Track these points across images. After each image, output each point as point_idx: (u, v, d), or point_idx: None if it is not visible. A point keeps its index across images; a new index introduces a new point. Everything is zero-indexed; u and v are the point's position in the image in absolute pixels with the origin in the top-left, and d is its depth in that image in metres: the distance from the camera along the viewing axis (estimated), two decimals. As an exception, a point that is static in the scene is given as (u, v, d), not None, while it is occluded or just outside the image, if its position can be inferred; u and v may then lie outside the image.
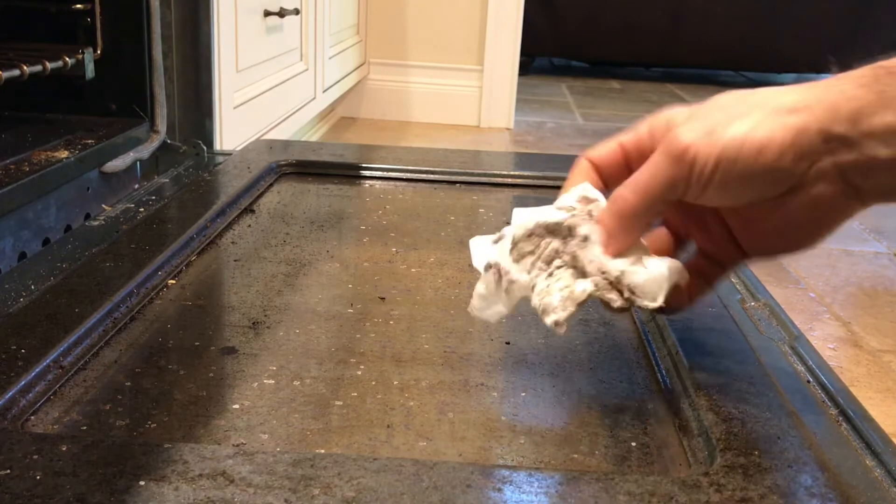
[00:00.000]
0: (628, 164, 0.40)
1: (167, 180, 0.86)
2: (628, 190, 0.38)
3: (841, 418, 0.44)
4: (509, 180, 0.82)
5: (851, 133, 0.35)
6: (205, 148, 0.96)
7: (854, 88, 0.36)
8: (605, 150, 0.41)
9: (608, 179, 0.41)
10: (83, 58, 0.83)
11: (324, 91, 1.65)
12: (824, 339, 1.08)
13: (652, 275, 0.38)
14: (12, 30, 0.86)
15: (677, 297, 0.40)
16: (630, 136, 0.40)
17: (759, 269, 1.30)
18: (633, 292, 0.39)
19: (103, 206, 0.77)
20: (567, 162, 0.86)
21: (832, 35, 3.03)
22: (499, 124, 2.20)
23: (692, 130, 0.37)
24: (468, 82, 2.18)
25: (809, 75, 3.45)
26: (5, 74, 0.71)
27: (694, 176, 0.36)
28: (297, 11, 1.37)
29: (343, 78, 1.86)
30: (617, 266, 0.39)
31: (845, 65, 0.38)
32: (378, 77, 2.19)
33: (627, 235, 0.39)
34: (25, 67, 0.74)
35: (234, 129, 1.08)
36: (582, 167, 0.42)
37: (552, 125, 2.31)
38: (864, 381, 0.97)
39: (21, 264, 0.63)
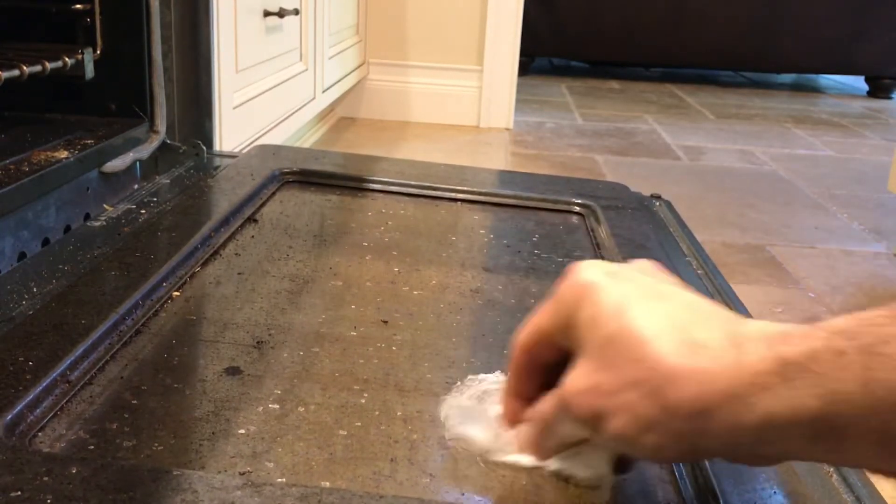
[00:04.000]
0: (552, 342, 0.38)
1: (167, 181, 0.86)
2: (533, 422, 0.39)
3: (832, 469, 0.45)
4: (511, 201, 0.83)
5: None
6: (204, 148, 0.96)
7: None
8: (530, 338, 0.39)
9: (538, 361, 0.39)
10: (83, 58, 0.83)
11: (323, 91, 1.65)
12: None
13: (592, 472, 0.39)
14: (12, 30, 0.86)
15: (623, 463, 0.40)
16: (551, 315, 0.38)
17: (759, 270, 1.32)
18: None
19: (104, 206, 0.77)
20: (567, 186, 0.87)
21: (832, 35, 3.06)
22: (498, 124, 2.21)
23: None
24: (468, 82, 2.18)
25: (809, 75, 3.49)
26: (5, 74, 0.71)
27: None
28: (296, 12, 1.37)
29: (343, 78, 1.86)
30: (554, 465, 0.40)
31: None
32: (378, 77, 2.19)
33: (547, 449, 0.39)
34: (25, 67, 0.74)
35: (233, 130, 1.08)
36: (519, 362, 0.40)
37: (552, 125, 2.32)
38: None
39: (21, 264, 0.63)
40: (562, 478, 0.40)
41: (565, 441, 0.38)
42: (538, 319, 0.38)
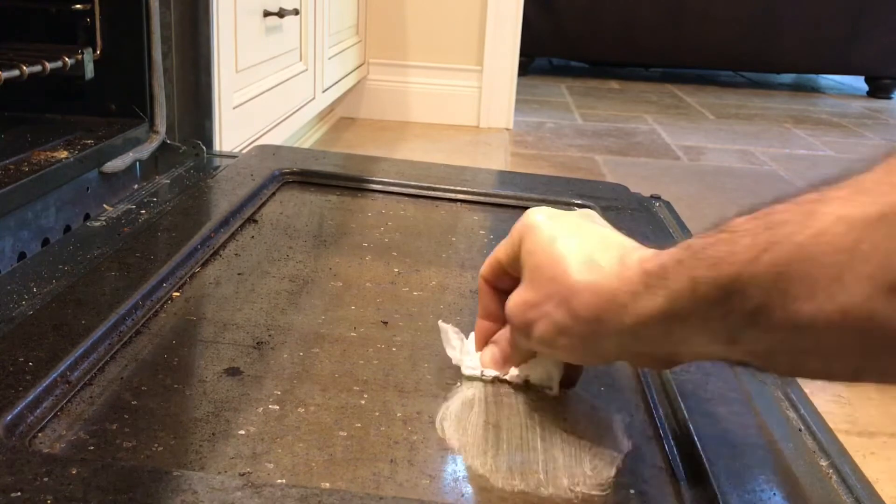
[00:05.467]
0: (506, 271, 0.47)
1: (167, 181, 0.86)
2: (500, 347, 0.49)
3: (831, 470, 0.45)
4: (511, 201, 0.83)
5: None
6: (204, 148, 0.96)
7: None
8: (489, 267, 0.48)
9: (499, 287, 0.48)
10: (83, 58, 0.83)
11: (323, 91, 1.65)
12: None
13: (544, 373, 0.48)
14: (12, 30, 0.86)
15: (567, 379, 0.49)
16: (505, 248, 0.47)
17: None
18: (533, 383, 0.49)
19: (104, 206, 0.77)
20: (567, 186, 0.87)
21: (832, 35, 3.06)
22: (498, 124, 2.21)
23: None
24: (467, 82, 2.18)
25: (809, 75, 3.49)
26: (5, 75, 0.71)
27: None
28: (296, 12, 1.37)
29: (342, 78, 1.86)
30: (513, 372, 0.49)
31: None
32: (377, 77, 2.19)
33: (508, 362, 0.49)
34: (25, 68, 0.74)
35: (233, 130, 1.08)
36: (483, 288, 0.49)
37: (552, 125, 2.32)
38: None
39: (21, 264, 0.63)
40: (520, 382, 0.49)
41: (522, 354, 0.47)
42: (495, 253, 0.47)
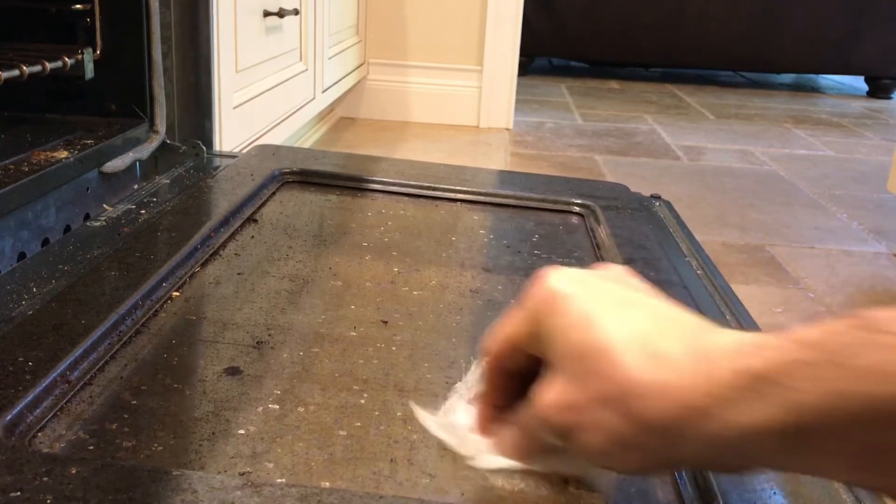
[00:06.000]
0: (521, 350, 0.38)
1: (167, 181, 0.86)
2: (516, 428, 0.39)
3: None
4: (511, 201, 0.83)
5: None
6: (204, 148, 0.96)
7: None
8: (500, 348, 0.39)
9: (511, 367, 0.39)
10: (83, 58, 0.83)
11: (323, 91, 1.65)
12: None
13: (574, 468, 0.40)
14: (12, 30, 0.86)
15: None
16: (519, 325, 0.38)
17: (759, 270, 1.32)
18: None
19: (104, 206, 0.77)
20: (567, 186, 0.87)
21: (832, 35, 3.06)
22: (498, 124, 2.21)
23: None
24: (467, 82, 2.18)
25: (809, 75, 3.50)
26: (5, 74, 0.71)
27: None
28: (296, 12, 1.37)
29: (342, 78, 1.86)
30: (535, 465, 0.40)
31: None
32: (377, 77, 2.19)
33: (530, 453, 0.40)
34: (25, 68, 0.74)
35: (233, 130, 1.08)
36: (492, 369, 0.40)
37: (552, 125, 2.32)
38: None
39: (21, 264, 0.63)
40: (552, 475, 0.40)
41: (548, 445, 0.38)
42: (508, 328, 0.38)
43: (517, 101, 2.24)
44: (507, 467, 0.40)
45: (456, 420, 0.42)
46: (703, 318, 0.34)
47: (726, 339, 0.31)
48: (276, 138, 1.29)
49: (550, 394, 0.35)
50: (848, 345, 0.27)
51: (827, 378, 0.27)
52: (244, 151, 1.01)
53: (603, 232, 0.75)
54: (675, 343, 0.32)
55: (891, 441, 0.26)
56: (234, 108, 1.09)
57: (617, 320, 0.33)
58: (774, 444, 0.29)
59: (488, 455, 0.40)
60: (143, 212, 0.74)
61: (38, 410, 0.42)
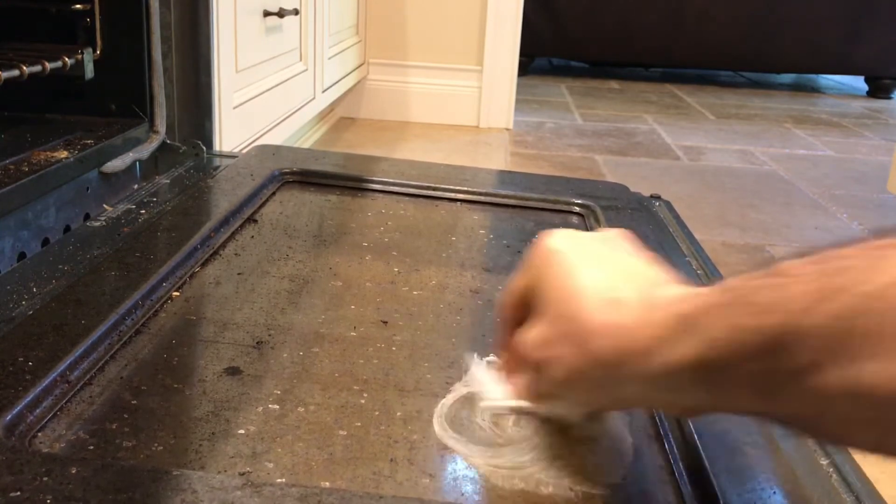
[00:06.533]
0: (525, 301, 0.42)
1: (167, 181, 0.86)
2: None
3: (832, 470, 0.45)
4: (511, 201, 0.83)
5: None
6: (204, 148, 0.96)
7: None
8: (510, 296, 0.43)
9: (521, 317, 0.43)
10: (83, 58, 0.83)
11: (323, 91, 1.65)
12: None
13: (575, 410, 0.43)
14: (12, 30, 0.86)
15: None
16: (522, 276, 0.42)
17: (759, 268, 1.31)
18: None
19: (104, 206, 0.77)
20: (567, 186, 0.87)
21: (832, 35, 3.06)
22: (498, 124, 2.21)
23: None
24: (467, 82, 2.18)
25: (809, 75, 3.50)
26: (5, 74, 0.71)
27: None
28: (296, 12, 1.37)
29: (342, 78, 1.86)
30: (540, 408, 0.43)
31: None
32: (377, 77, 2.19)
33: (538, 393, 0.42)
34: (25, 68, 0.74)
35: (233, 130, 1.08)
36: (504, 318, 0.44)
37: (551, 125, 2.32)
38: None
39: (21, 264, 0.63)
40: (555, 420, 0.42)
41: (543, 392, 0.41)
42: (514, 281, 0.43)
43: (517, 101, 2.24)
44: (514, 406, 0.43)
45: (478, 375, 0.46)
46: (671, 275, 0.38)
47: (673, 290, 0.36)
48: (276, 138, 1.29)
49: (530, 333, 0.39)
50: (753, 287, 0.30)
51: (731, 315, 0.30)
52: (244, 151, 1.01)
53: (603, 232, 0.75)
54: (632, 292, 0.36)
55: (780, 367, 0.29)
56: (234, 108, 1.09)
57: (591, 272, 0.38)
58: (697, 378, 0.32)
59: (497, 398, 0.44)
60: (143, 212, 0.74)
61: (38, 410, 0.42)
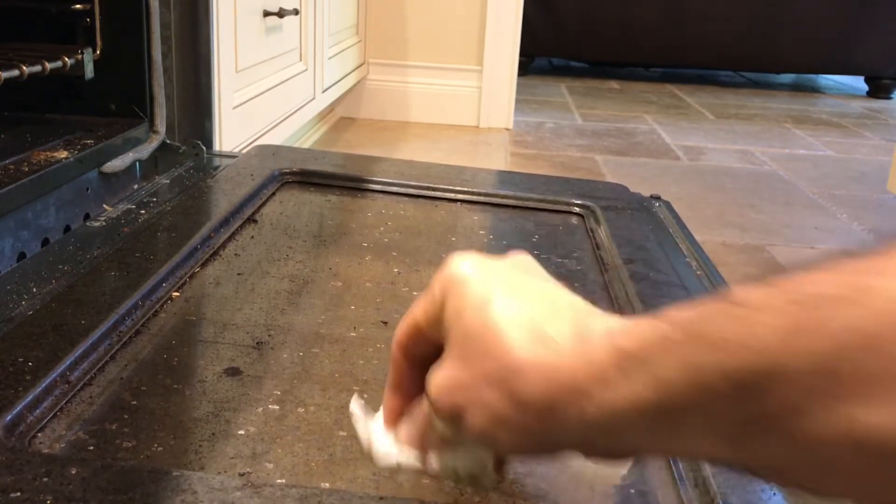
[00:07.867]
0: (424, 335, 0.37)
1: (167, 181, 0.86)
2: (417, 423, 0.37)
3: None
4: (511, 201, 0.83)
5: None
6: (204, 148, 0.96)
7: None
8: (405, 329, 0.38)
9: (416, 353, 0.38)
10: (82, 58, 0.83)
11: (323, 91, 1.65)
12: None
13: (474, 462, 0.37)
14: (12, 30, 0.86)
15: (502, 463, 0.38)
16: (424, 306, 0.36)
17: (759, 270, 1.32)
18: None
19: (104, 206, 0.77)
20: (567, 186, 0.87)
21: (832, 35, 3.06)
22: (498, 124, 2.21)
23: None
24: (467, 82, 2.18)
25: (809, 75, 3.50)
26: (5, 74, 0.71)
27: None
28: (296, 12, 1.37)
29: (342, 78, 1.86)
30: (433, 463, 0.37)
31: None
32: (377, 77, 2.19)
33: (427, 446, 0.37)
34: (25, 68, 0.74)
35: (233, 130, 1.08)
36: (395, 355, 0.38)
37: (551, 125, 2.32)
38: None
39: (21, 264, 0.63)
40: (446, 476, 0.37)
41: (445, 437, 0.36)
42: (412, 313, 0.37)
43: (517, 101, 2.24)
44: (402, 463, 0.37)
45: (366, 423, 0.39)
46: (594, 305, 0.33)
47: (608, 322, 0.31)
48: (276, 138, 1.29)
49: (440, 374, 0.34)
50: (709, 321, 0.26)
51: (687, 353, 0.26)
52: (244, 151, 1.01)
53: (603, 232, 0.75)
54: (561, 325, 0.31)
55: (751, 413, 0.25)
56: (234, 108, 1.09)
57: (508, 303, 0.33)
58: (645, 423, 0.28)
59: (388, 450, 0.37)
60: (143, 212, 0.74)
61: (38, 411, 0.42)
